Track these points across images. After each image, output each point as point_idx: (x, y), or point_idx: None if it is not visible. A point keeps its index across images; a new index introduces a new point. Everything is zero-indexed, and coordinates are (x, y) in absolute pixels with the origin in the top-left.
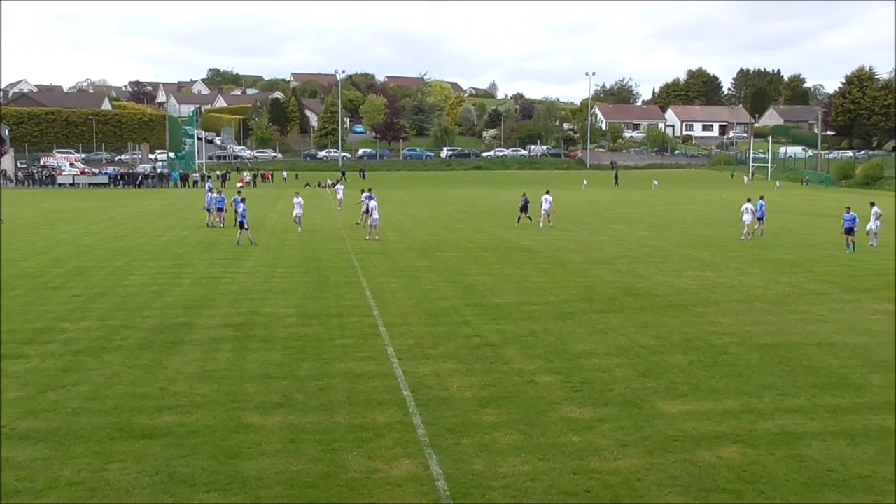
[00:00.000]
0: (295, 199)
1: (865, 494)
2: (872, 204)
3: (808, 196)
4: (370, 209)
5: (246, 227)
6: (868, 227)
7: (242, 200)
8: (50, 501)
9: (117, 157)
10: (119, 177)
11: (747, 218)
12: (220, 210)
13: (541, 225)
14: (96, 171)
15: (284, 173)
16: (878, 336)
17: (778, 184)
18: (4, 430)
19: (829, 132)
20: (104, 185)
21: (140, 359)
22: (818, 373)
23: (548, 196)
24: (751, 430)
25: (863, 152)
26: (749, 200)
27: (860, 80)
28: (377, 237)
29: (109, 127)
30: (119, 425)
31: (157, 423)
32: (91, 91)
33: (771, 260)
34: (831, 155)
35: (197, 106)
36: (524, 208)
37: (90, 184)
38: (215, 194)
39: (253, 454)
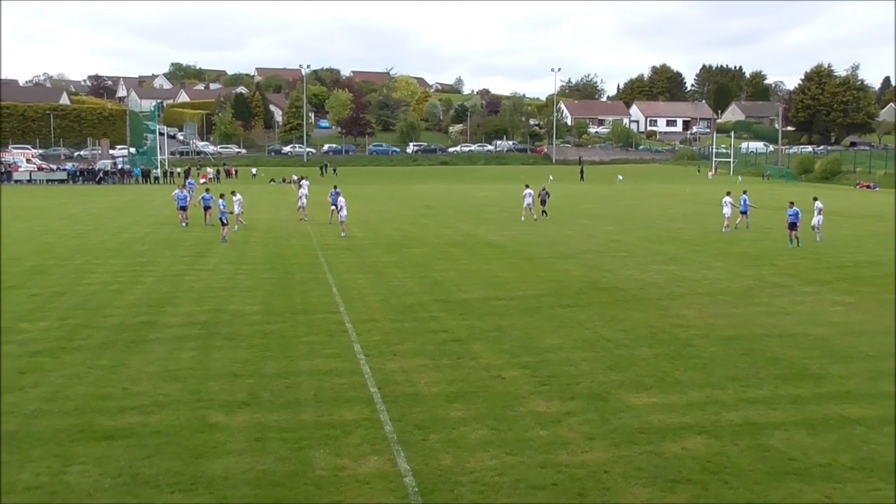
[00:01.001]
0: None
1: (825, 482)
2: (815, 199)
3: (769, 190)
4: (338, 206)
5: (226, 222)
6: (812, 222)
7: (221, 196)
8: None
9: (76, 153)
10: (78, 173)
11: (727, 211)
12: (206, 209)
13: (522, 219)
14: (54, 167)
15: (253, 169)
16: (838, 327)
17: (740, 178)
18: None
19: (789, 128)
20: (63, 181)
21: (101, 359)
22: (780, 364)
23: (529, 191)
24: (715, 422)
25: (822, 148)
26: (728, 194)
27: (819, 77)
28: (343, 234)
29: (68, 122)
30: (80, 427)
31: (119, 424)
32: (48, 85)
33: (734, 253)
34: (791, 150)
35: (159, 101)
36: (543, 202)
37: (48, 180)
38: (205, 194)
39: (218, 453)
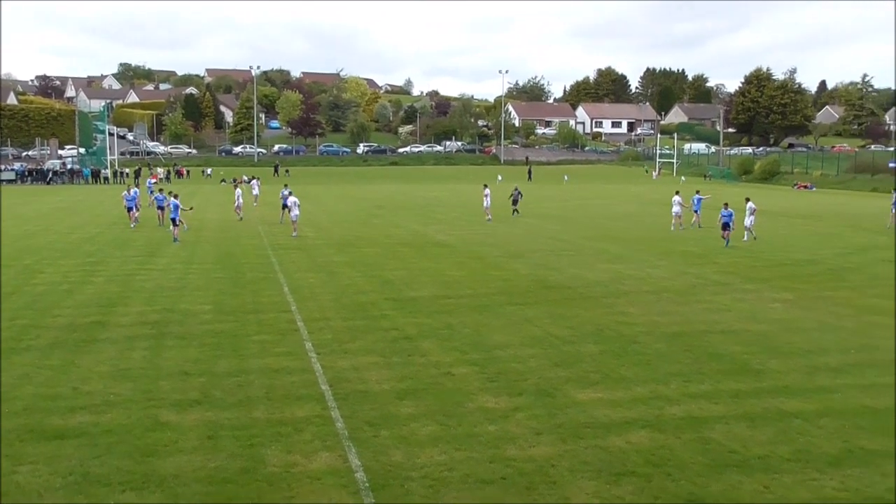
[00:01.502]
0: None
1: (764, 474)
2: (748, 200)
3: (711, 190)
4: (289, 205)
5: (178, 222)
6: (745, 222)
7: (175, 196)
8: None
9: (24, 153)
10: (27, 173)
11: (677, 210)
12: (160, 209)
13: (488, 218)
14: (2, 167)
15: (208, 169)
16: (777, 324)
17: (683, 178)
18: None
19: (730, 130)
20: (11, 181)
21: (51, 359)
22: (721, 359)
23: (488, 191)
24: (659, 416)
25: (761, 149)
26: (678, 193)
27: (758, 81)
28: (295, 233)
29: (15, 122)
30: (29, 427)
31: (69, 424)
32: None
33: (678, 252)
34: (732, 151)
35: (108, 101)
36: (515, 201)
37: None
38: (157, 194)
39: (170, 452)
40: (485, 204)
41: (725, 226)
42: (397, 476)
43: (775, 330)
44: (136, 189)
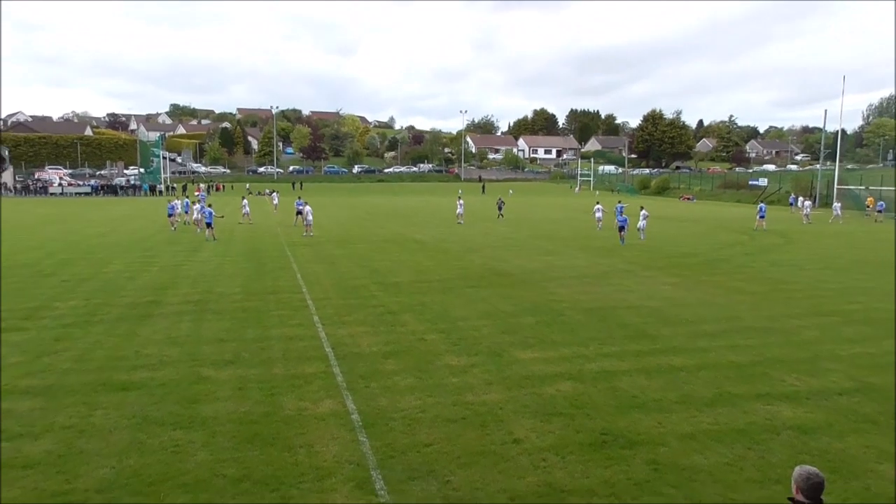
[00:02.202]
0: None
1: (658, 413)
2: (641, 208)
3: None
4: (304, 213)
5: (212, 226)
6: (638, 225)
7: (210, 205)
8: (46, 442)
9: (98, 172)
10: (100, 188)
11: (599, 215)
12: (208, 225)
13: (460, 222)
14: (81, 182)
15: (248, 185)
16: (668, 301)
17: (597, 192)
18: (7, 388)
19: (633, 155)
20: (87, 194)
21: (118, 329)
22: (627, 328)
23: (461, 201)
24: (580, 370)
25: (656, 170)
26: (598, 203)
27: (653, 119)
28: (311, 234)
29: (91, 149)
30: (102, 381)
31: (132, 379)
32: (76, 120)
33: (593, 247)
34: (634, 172)
35: (162, 133)
36: (500, 208)
37: (76, 193)
38: (207, 207)
39: (209, 400)
40: (458, 210)
41: (621, 228)
42: (383, 417)
43: (666, 305)
44: (177, 201)
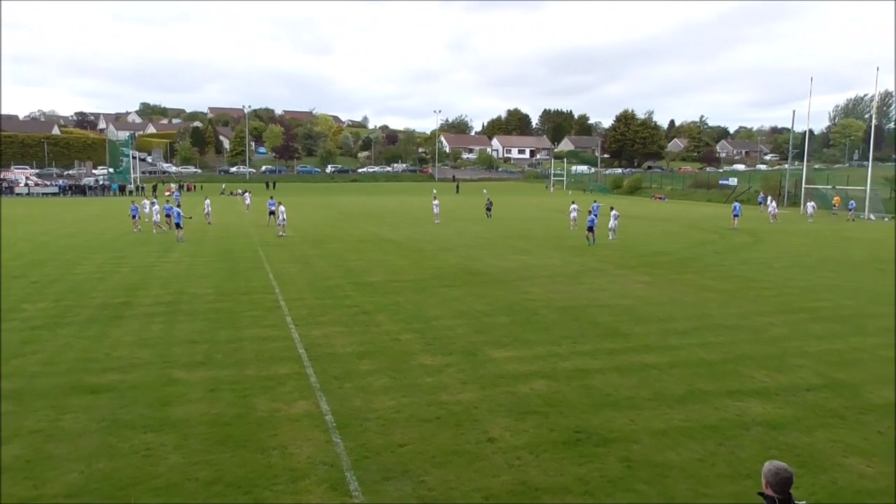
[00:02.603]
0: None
1: (630, 410)
2: (612, 208)
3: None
4: (278, 213)
5: (181, 226)
6: (609, 225)
7: (179, 206)
8: (14, 447)
9: (65, 172)
10: (67, 188)
11: (574, 215)
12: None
13: (437, 222)
14: (48, 182)
15: (223, 186)
16: (640, 299)
17: (570, 192)
18: None
19: (605, 155)
20: (55, 194)
21: (88, 331)
22: (600, 326)
23: (437, 201)
24: (554, 368)
25: (628, 170)
26: (574, 202)
27: (626, 119)
28: (285, 234)
29: (59, 148)
30: (71, 384)
31: (102, 381)
32: (43, 119)
33: (567, 247)
34: (607, 171)
35: (132, 132)
36: (488, 209)
37: (43, 193)
38: (175, 207)
39: (181, 402)
40: (434, 210)
41: (590, 229)
42: (357, 417)
43: (638, 304)
44: (146, 201)
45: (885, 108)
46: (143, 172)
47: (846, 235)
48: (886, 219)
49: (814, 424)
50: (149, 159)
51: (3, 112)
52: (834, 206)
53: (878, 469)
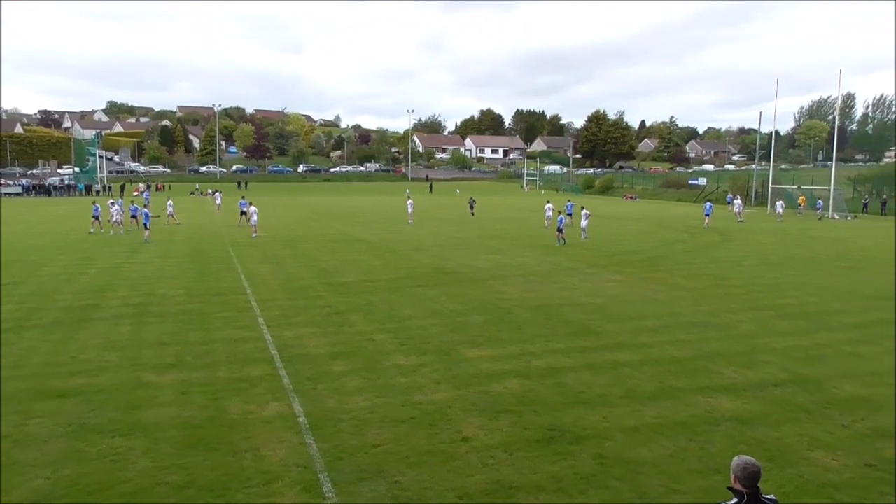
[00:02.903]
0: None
1: (603, 408)
2: (583, 207)
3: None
4: (249, 213)
5: (148, 227)
6: (581, 225)
7: (145, 206)
8: None
9: (29, 171)
10: (31, 187)
11: (549, 213)
12: (133, 217)
13: (410, 221)
14: (11, 182)
15: (197, 185)
16: (612, 298)
17: (543, 191)
18: None
19: (577, 155)
20: (18, 194)
21: (54, 334)
22: (572, 324)
23: (411, 201)
24: (527, 367)
25: (600, 170)
26: (549, 202)
27: (597, 119)
28: (257, 234)
29: (22, 147)
30: (37, 388)
31: (69, 385)
32: (4, 117)
33: (539, 246)
34: (579, 171)
35: (98, 131)
36: (471, 206)
37: (6, 193)
38: (143, 208)
39: (151, 405)
40: (408, 210)
41: (560, 230)
42: (331, 418)
43: (610, 302)
44: (112, 200)
45: (847, 110)
46: (111, 172)
47: (811, 234)
48: (849, 217)
49: (781, 419)
50: (116, 158)
51: None
52: (799, 205)
53: (843, 462)
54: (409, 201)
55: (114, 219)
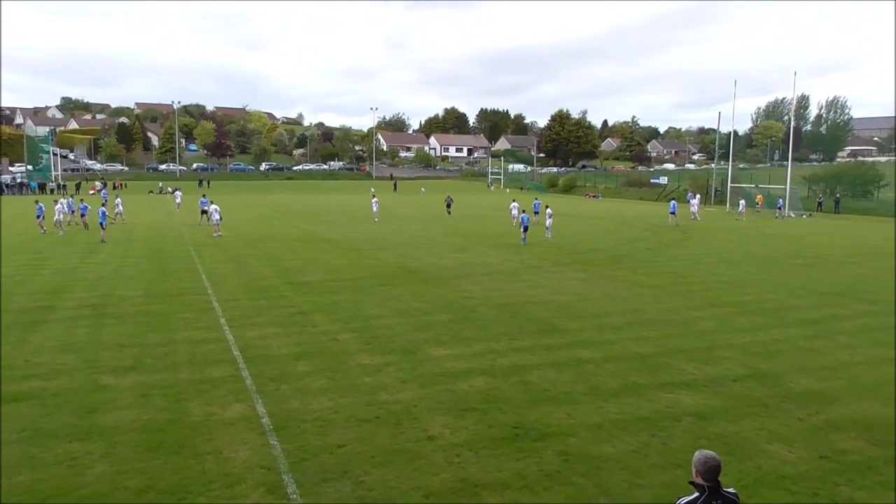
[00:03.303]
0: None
1: (568, 405)
2: (547, 206)
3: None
4: (210, 212)
5: (104, 226)
6: (547, 224)
7: (102, 205)
8: None
9: None
10: None
11: (515, 213)
12: (82, 215)
13: (376, 220)
14: None
15: (161, 184)
16: (575, 295)
17: (507, 190)
18: None
19: (541, 154)
20: None
21: (7, 337)
22: (537, 322)
23: (376, 199)
24: (492, 365)
25: (563, 168)
26: (514, 200)
27: (560, 119)
28: (219, 233)
29: None
30: None
31: (23, 389)
32: None
33: (504, 244)
34: (543, 170)
35: (52, 127)
36: (448, 205)
37: None
38: (100, 207)
39: (109, 408)
40: (374, 209)
41: (525, 229)
42: (295, 419)
43: (574, 300)
44: (63, 200)
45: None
46: (66, 170)
47: (767, 232)
48: (804, 216)
49: (740, 413)
50: (71, 156)
51: None
52: (757, 203)
53: (799, 454)
54: (375, 199)
55: (56, 217)
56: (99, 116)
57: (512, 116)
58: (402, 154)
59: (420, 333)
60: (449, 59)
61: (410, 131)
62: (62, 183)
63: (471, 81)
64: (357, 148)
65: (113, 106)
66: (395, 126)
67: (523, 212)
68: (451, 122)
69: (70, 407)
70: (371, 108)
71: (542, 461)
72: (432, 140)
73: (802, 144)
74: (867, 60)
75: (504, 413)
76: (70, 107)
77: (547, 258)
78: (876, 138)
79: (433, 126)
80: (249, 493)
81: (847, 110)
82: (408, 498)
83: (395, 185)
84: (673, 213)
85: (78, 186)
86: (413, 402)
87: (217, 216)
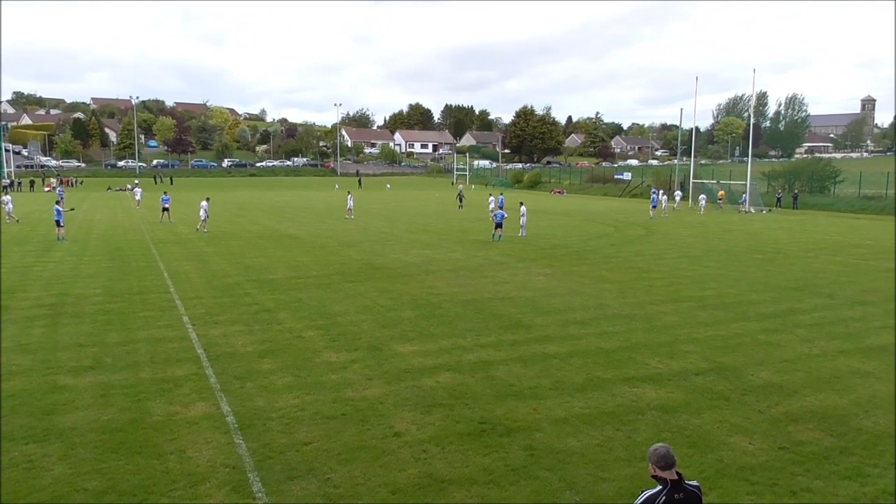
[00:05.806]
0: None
1: (533, 400)
2: (521, 203)
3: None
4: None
5: (62, 224)
6: (521, 223)
7: (58, 203)
8: None
9: None
10: None
11: (492, 207)
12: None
13: (346, 217)
14: None
15: (136, 180)
16: (541, 291)
17: (473, 187)
18: None
19: (506, 150)
20: None
21: None
22: (502, 318)
23: (351, 195)
24: (458, 361)
25: (528, 165)
26: (491, 195)
27: (525, 115)
28: (205, 230)
29: None
30: None
31: None
32: None
33: (469, 241)
34: (508, 167)
35: (4, 123)
36: (460, 199)
37: None
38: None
39: (67, 409)
40: (348, 205)
41: (499, 225)
42: (260, 417)
43: (539, 296)
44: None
45: (761, 108)
46: (19, 166)
47: (728, 227)
48: (764, 211)
49: (702, 407)
50: (24, 152)
51: None
52: (719, 199)
53: (758, 446)
54: (350, 196)
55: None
56: (53, 112)
57: (477, 112)
58: (367, 150)
59: (386, 330)
60: (413, 55)
61: (375, 127)
62: (17, 180)
63: (435, 77)
64: (321, 144)
65: (68, 101)
66: (359, 122)
67: (500, 208)
68: (415, 118)
69: (26, 408)
70: (335, 104)
71: (508, 456)
72: (397, 136)
73: (762, 141)
74: (824, 58)
75: (470, 408)
76: (22, 101)
77: (512, 254)
78: (832, 135)
79: (398, 122)
80: (213, 493)
81: (804, 107)
82: (374, 494)
83: (360, 181)
84: (654, 206)
85: (32, 184)
86: (379, 398)
87: (203, 213)
